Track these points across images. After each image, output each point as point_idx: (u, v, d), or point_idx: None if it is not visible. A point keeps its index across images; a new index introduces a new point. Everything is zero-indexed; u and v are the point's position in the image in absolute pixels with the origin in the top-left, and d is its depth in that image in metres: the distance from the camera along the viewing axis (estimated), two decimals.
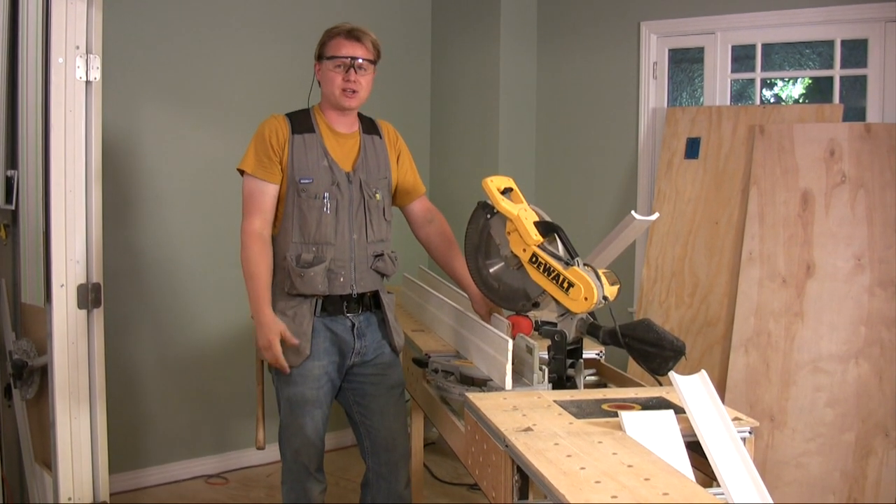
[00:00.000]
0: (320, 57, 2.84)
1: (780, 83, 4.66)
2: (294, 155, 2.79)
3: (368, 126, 2.96)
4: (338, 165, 2.82)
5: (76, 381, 2.84)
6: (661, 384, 2.34)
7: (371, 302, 2.90)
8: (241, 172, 2.83)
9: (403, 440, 2.99)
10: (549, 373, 2.43)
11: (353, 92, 2.80)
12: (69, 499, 2.83)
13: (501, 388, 2.38)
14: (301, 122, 2.85)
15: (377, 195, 2.87)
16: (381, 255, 2.88)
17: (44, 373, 2.98)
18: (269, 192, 2.79)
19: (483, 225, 2.74)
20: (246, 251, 2.76)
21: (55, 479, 2.82)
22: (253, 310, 2.76)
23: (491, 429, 1.99)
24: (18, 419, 3.21)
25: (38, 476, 3.09)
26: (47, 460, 2.95)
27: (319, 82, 2.87)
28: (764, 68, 4.36)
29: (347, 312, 2.84)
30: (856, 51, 4.11)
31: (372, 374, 2.92)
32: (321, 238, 2.77)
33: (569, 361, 2.46)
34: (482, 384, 2.54)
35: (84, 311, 2.85)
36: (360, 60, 2.80)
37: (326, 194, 2.77)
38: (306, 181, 2.77)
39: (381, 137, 2.97)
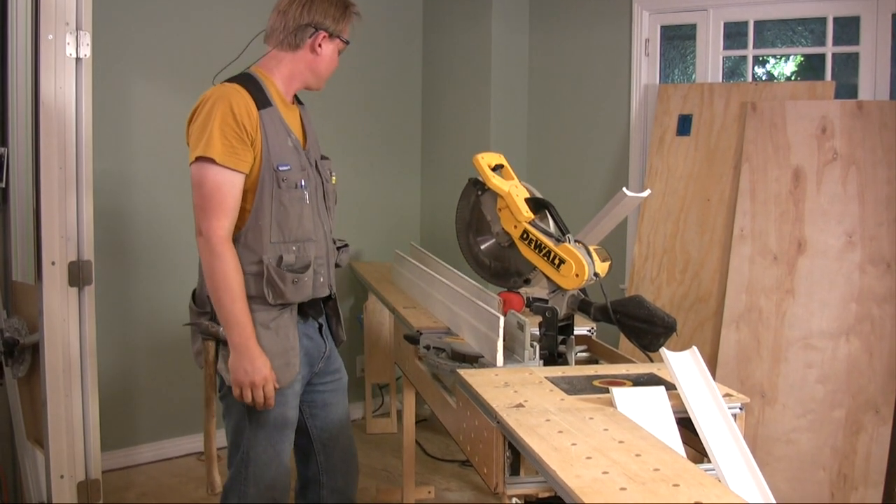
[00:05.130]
0: (331, 33, 2.40)
1: (772, 60, 4.65)
2: (268, 137, 2.28)
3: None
4: (300, 144, 2.40)
5: (68, 358, 2.84)
6: (652, 360, 2.35)
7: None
8: (199, 160, 2.22)
9: (350, 436, 2.71)
10: (541, 349, 2.44)
11: None
12: (61, 476, 2.84)
13: (493, 365, 2.38)
14: (258, 93, 2.31)
15: (333, 178, 2.54)
16: (337, 246, 2.56)
17: (35, 350, 2.97)
18: (239, 185, 2.26)
19: (474, 202, 2.74)
20: (220, 263, 2.24)
21: (47, 456, 2.83)
22: (238, 339, 2.26)
23: (482, 405, 2.00)
24: (10, 397, 3.20)
25: (30, 454, 3.10)
26: (39, 438, 2.95)
27: (312, 53, 2.40)
28: (756, 45, 4.34)
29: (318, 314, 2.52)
30: (848, 28, 4.09)
31: (329, 381, 2.62)
32: (303, 234, 2.35)
33: (560, 338, 2.47)
34: (473, 361, 2.55)
35: (75, 289, 2.85)
36: None
37: (303, 181, 2.34)
38: (285, 168, 2.30)
39: (304, 107, 2.56)
